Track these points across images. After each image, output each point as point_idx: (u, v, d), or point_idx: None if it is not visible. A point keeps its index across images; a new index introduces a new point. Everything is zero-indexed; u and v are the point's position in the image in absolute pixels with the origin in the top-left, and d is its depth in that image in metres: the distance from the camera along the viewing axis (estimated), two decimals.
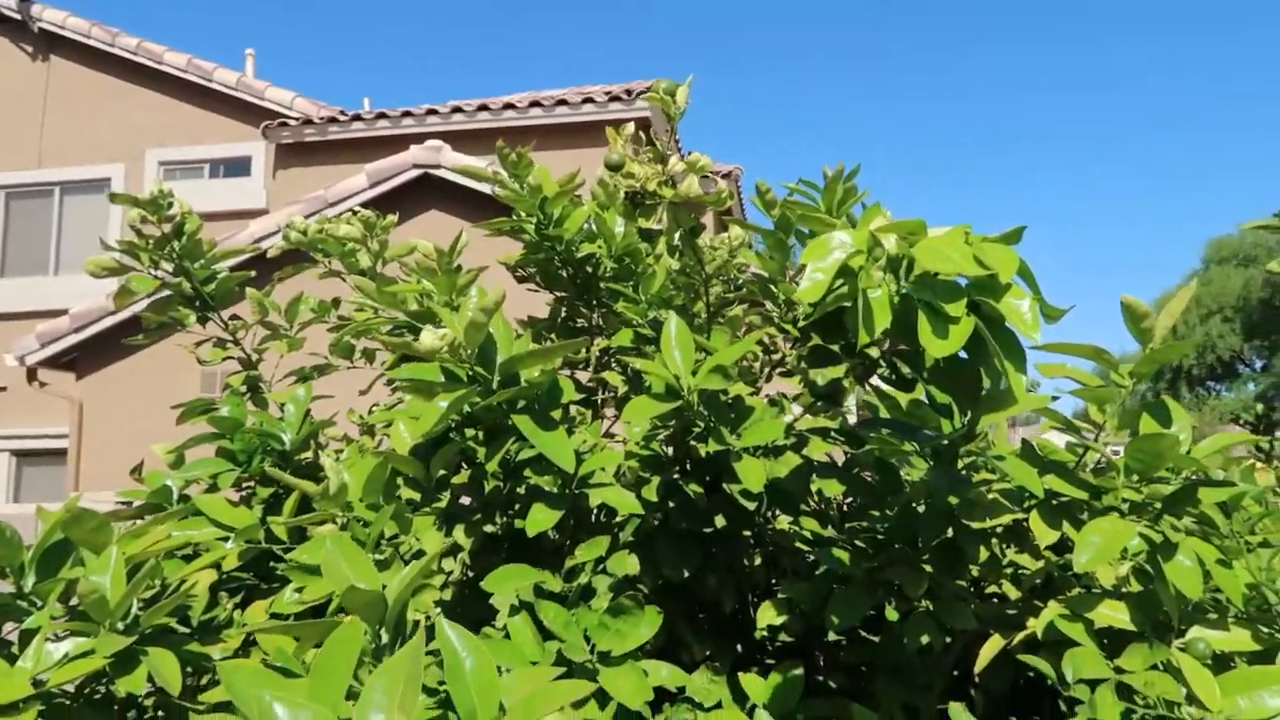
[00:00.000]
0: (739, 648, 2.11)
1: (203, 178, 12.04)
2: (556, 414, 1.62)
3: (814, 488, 1.90)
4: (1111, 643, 1.46)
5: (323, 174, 10.02)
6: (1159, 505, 1.39)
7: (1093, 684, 1.37)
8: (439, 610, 1.74)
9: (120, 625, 1.36)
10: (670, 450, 1.83)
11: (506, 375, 1.43)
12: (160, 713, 1.49)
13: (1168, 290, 26.16)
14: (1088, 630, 1.42)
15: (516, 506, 1.58)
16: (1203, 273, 26.23)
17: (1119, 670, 1.37)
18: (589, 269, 2.12)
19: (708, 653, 1.90)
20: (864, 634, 1.96)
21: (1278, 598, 1.32)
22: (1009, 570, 1.86)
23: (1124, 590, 1.48)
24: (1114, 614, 1.41)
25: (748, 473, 1.45)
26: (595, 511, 1.98)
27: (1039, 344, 1.41)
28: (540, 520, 1.42)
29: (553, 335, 2.19)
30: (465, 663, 0.83)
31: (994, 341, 1.07)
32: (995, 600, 1.87)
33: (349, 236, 2.47)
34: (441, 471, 1.69)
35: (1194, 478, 1.40)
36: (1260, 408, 3.02)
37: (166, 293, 2.32)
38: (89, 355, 9.00)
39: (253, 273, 2.32)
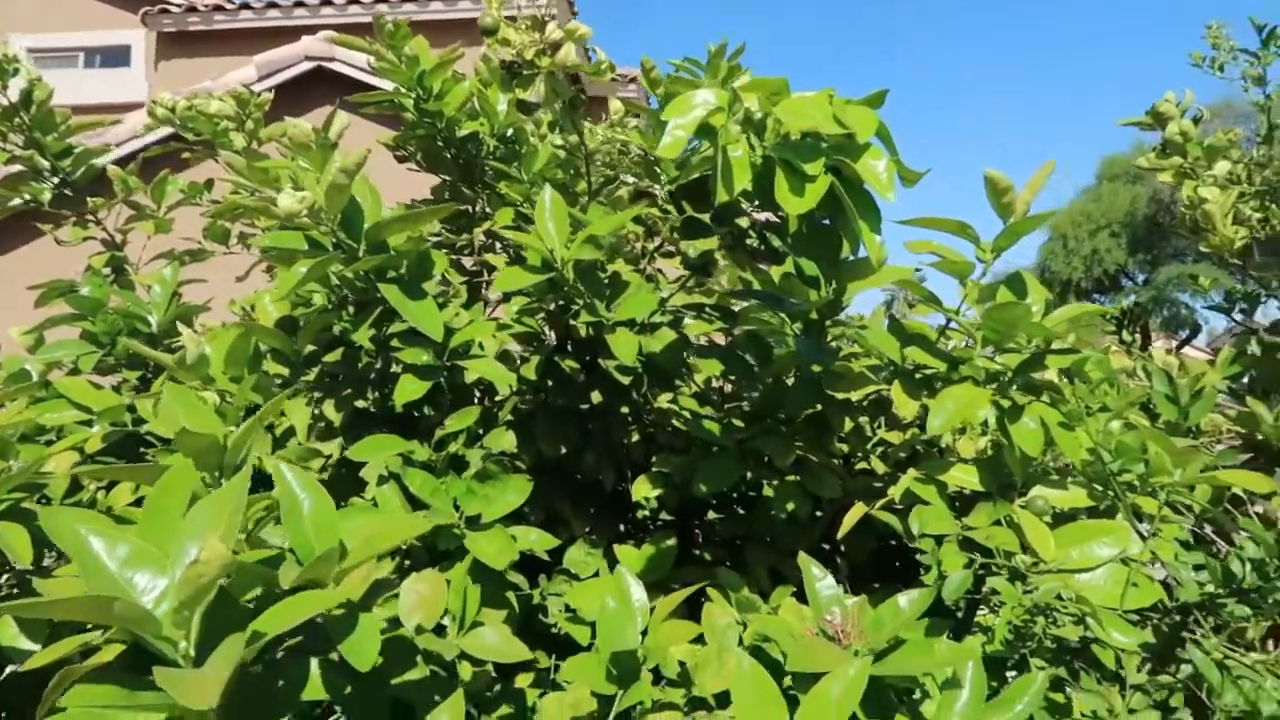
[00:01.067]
0: (622, 526, 2.16)
1: (76, 67, 11.24)
2: (430, 287, 1.60)
3: (695, 368, 1.94)
4: (964, 505, 1.54)
5: (209, 66, 9.46)
6: (1011, 373, 1.45)
7: (941, 539, 1.44)
8: None
9: None
10: (550, 329, 1.82)
11: (373, 243, 1.39)
12: (15, 589, 1.45)
13: (1062, 205, 27.04)
14: (939, 492, 1.49)
15: (389, 379, 1.56)
16: (1094, 189, 27.13)
17: (966, 528, 1.45)
18: (472, 149, 2.07)
19: (588, 529, 1.94)
20: (741, 509, 2.02)
21: (1112, 458, 1.40)
22: (879, 447, 1.94)
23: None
24: (965, 477, 1.48)
25: (620, 345, 1.45)
26: (478, 392, 1.98)
27: (905, 220, 1.45)
28: (409, 391, 1.41)
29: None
30: (303, 504, 0.83)
31: (850, 201, 1.08)
32: (864, 474, 1.95)
33: (221, 114, 2.34)
34: (311, 347, 1.65)
35: (1043, 348, 1.46)
36: (1128, 302, 3.16)
37: (18, 168, 2.17)
38: None
39: (111, 146, 2.19)
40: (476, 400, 1.95)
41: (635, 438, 1.87)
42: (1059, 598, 1.28)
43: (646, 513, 2.20)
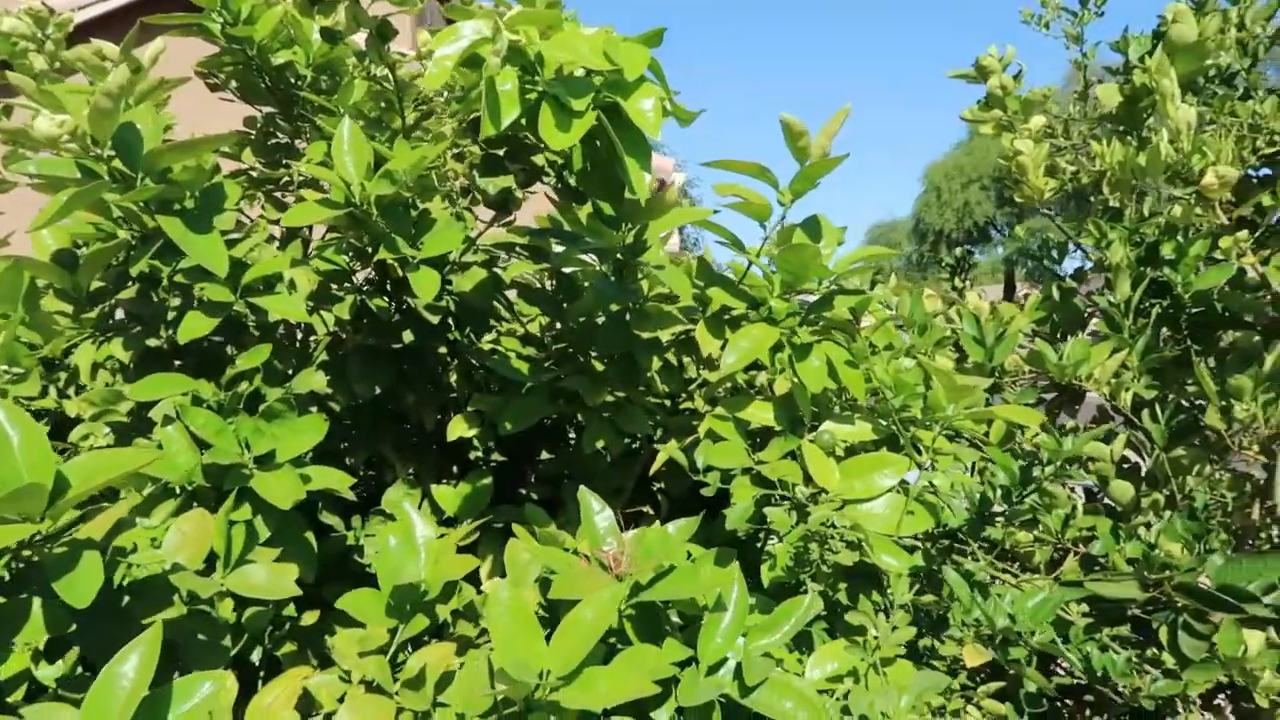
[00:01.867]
0: (456, 468, 2.16)
1: None
2: (227, 221, 1.54)
3: (520, 309, 1.93)
4: (764, 440, 1.60)
5: None
6: (802, 313, 1.50)
7: (732, 474, 1.50)
8: (108, 432, 1.66)
9: None
10: (374, 270, 1.79)
11: (152, 171, 1.33)
12: None
13: (935, 160, 27.92)
14: (738, 428, 1.54)
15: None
16: (967, 143, 28.13)
17: (759, 462, 1.51)
18: (290, 78, 1.98)
19: (410, 470, 1.93)
20: (570, 450, 2.05)
21: (893, 394, 1.48)
22: (703, 387, 1.99)
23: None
24: (761, 413, 1.54)
25: (420, 282, 1.44)
26: (299, 333, 1.93)
27: (707, 162, 1.47)
28: (194, 328, 1.36)
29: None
30: (11, 437, 0.80)
31: (617, 138, 1.09)
32: (689, 413, 2.00)
33: (16, 32, 2.18)
34: (100, 283, 1.58)
35: (833, 289, 1.52)
36: (960, 251, 3.30)
37: None
38: None
39: None
40: (297, 342, 1.90)
41: (454, 378, 1.86)
42: (833, 525, 1.35)
43: (481, 453, 2.21)
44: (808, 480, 1.42)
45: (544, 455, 2.17)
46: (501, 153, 1.41)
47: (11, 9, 2.21)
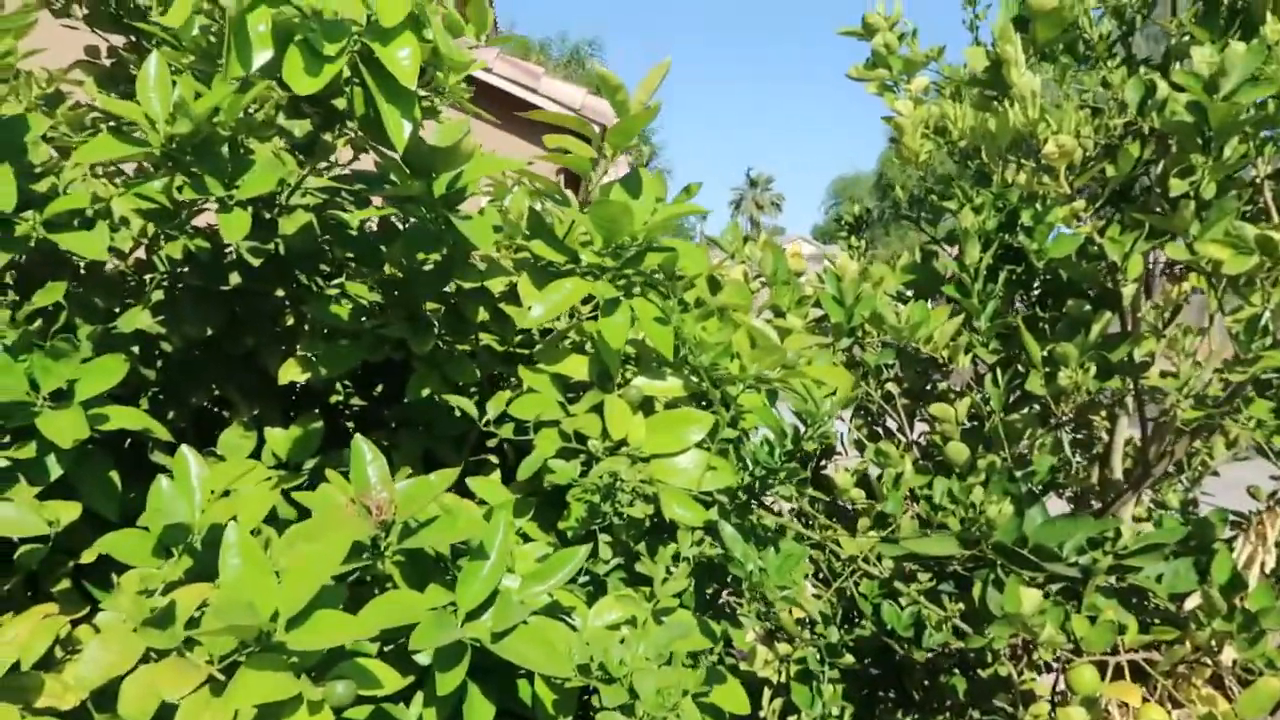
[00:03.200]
0: (317, 411, 2.16)
1: None
2: (38, 154, 1.51)
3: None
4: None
5: None
6: (616, 268, 1.52)
7: (544, 425, 1.52)
8: None
9: None
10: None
11: None
12: None
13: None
14: (553, 381, 1.56)
15: None
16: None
17: (569, 415, 1.53)
18: (135, 5, 1.93)
19: (255, 412, 1.93)
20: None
21: (697, 350, 1.50)
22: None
23: None
24: (575, 366, 1.56)
25: (227, 224, 1.42)
26: (138, 273, 1.91)
27: (526, 113, 1.46)
28: None
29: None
30: None
31: (376, 86, 1.08)
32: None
33: None
34: None
35: (645, 244, 1.53)
36: (859, 208, 3.32)
37: None
38: None
39: None
40: (133, 280, 1.88)
41: (291, 321, 1.85)
42: (622, 479, 1.38)
43: (340, 399, 2.22)
44: (606, 436, 1.45)
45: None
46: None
47: None
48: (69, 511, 1.25)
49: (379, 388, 2.16)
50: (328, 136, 1.53)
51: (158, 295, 1.78)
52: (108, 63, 2.00)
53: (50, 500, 1.28)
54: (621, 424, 1.44)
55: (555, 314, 1.46)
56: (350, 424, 2.17)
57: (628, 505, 1.42)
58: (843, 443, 2.43)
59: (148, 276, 1.80)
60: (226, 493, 1.36)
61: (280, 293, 1.80)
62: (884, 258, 2.74)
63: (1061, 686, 1.94)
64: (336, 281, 1.92)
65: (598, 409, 1.50)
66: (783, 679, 1.68)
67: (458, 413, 1.92)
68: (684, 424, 1.51)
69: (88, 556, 1.29)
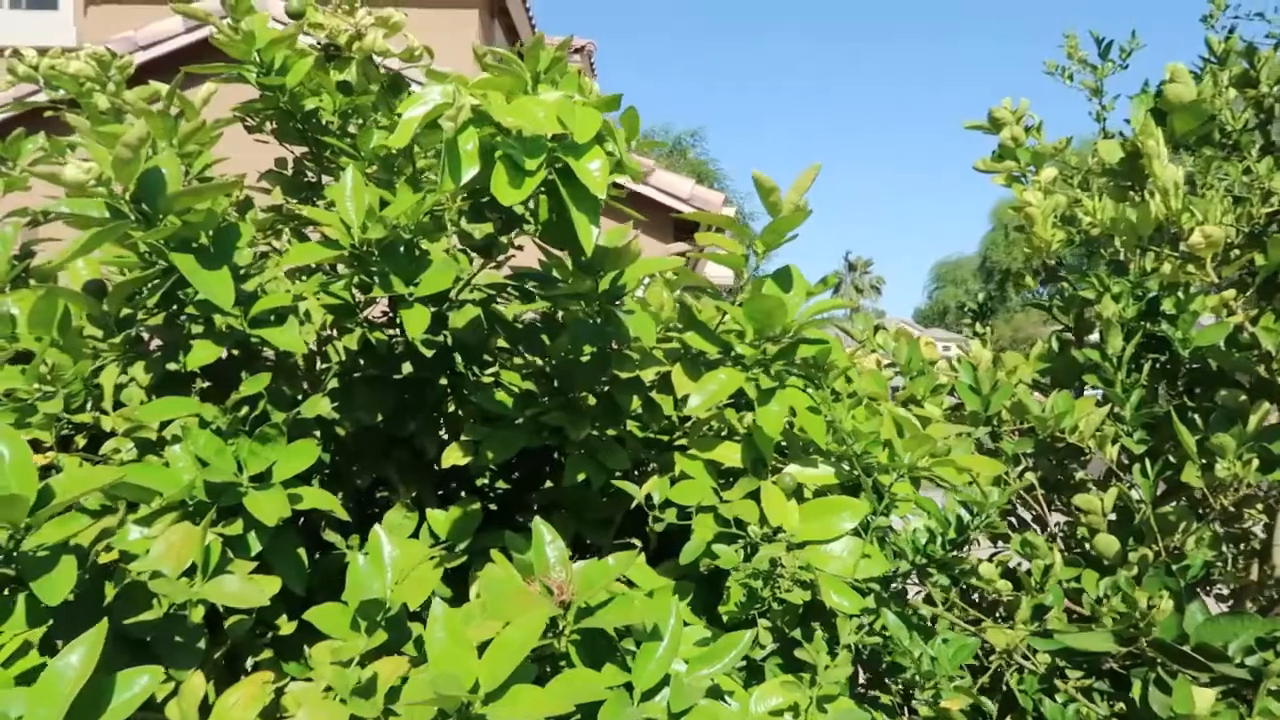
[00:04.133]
0: (464, 494, 2.26)
1: (2, 7, 10.92)
2: (244, 256, 1.67)
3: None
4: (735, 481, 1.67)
5: (138, 13, 9.27)
6: (768, 360, 1.58)
7: (702, 510, 1.57)
8: (133, 447, 1.80)
9: None
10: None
11: (172, 212, 1.47)
12: None
13: (1004, 198, 27.40)
14: (707, 468, 1.61)
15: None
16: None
17: (724, 501, 1.58)
18: (318, 122, 2.13)
19: (414, 494, 2.04)
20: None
21: (852, 439, 1.54)
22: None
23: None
24: (728, 454, 1.61)
25: (409, 320, 1.55)
26: (316, 363, 2.06)
27: (683, 214, 1.56)
28: (200, 355, 1.49)
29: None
30: (3, 454, 0.91)
31: (567, 195, 1.18)
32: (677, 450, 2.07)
33: (82, 74, 2.38)
34: (128, 310, 1.72)
35: (797, 338, 1.59)
36: (982, 296, 3.32)
37: None
38: None
39: None
40: (303, 369, 2.03)
41: (452, 409, 1.97)
42: (782, 565, 1.41)
43: (485, 481, 2.32)
44: (764, 521, 1.49)
45: (548, 485, 2.27)
46: (484, 200, 1.52)
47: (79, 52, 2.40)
48: (271, 586, 1.36)
49: (515, 474, 2.26)
50: (504, 239, 1.66)
51: (333, 383, 1.92)
52: (289, 172, 2.21)
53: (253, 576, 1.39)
54: (779, 510, 1.48)
55: (712, 403, 1.52)
56: (494, 506, 2.27)
57: (785, 591, 1.44)
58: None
59: (321, 367, 1.95)
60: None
61: (443, 381, 1.92)
62: (993, 343, 2.73)
63: None
64: (490, 370, 2.03)
65: (753, 495, 1.55)
66: None
67: (604, 498, 2.00)
68: (837, 511, 1.54)
69: (287, 627, 1.39)
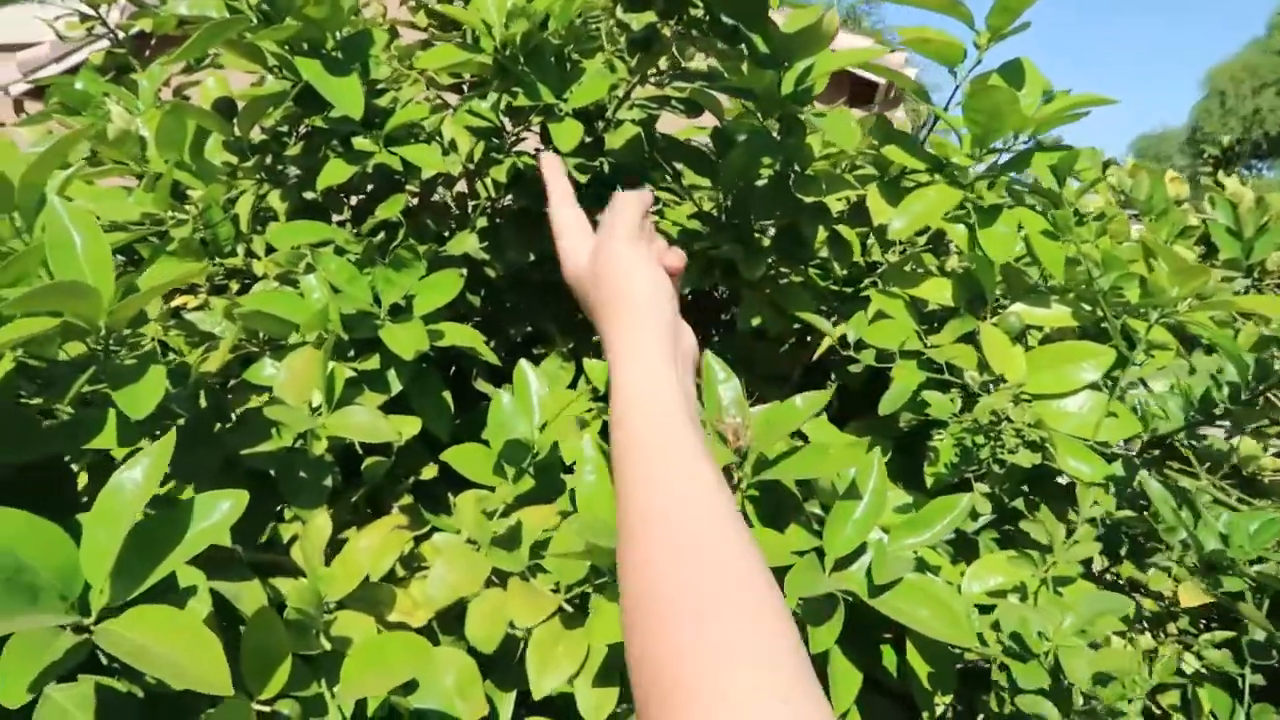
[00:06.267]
0: None
1: None
2: (380, 70, 1.50)
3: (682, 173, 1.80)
4: (940, 323, 1.40)
5: None
6: (993, 173, 1.28)
7: (907, 356, 1.32)
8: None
9: None
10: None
11: (293, 10, 1.29)
12: None
13: (1220, 61, 24.31)
14: (906, 307, 1.35)
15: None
16: (1264, 40, 24.11)
17: (931, 345, 1.31)
18: None
19: (570, 345, 1.87)
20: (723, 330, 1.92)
21: (1099, 270, 1.23)
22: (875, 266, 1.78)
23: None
24: (937, 291, 1.34)
25: (560, 133, 1.33)
26: (463, 201, 1.90)
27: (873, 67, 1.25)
28: (332, 175, 1.33)
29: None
30: (75, 240, 0.77)
31: None
32: (864, 299, 1.80)
33: None
34: (261, 136, 1.59)
35: (1033, 144, 1.27)
36: (1227, 139, 2.82)
37: None
38: None
39: None
40: (454, 206, 1.87)
41: None
42: (1007, 419, 1.15)
43: None
44: (985, 369, 1.22)
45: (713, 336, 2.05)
46: None
47: None
48: (411, 426, 1.21)
49: None
50: (665, 29, 1.40)
51: (482, 222, 1.75)
52: None
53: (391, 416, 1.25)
54: (1002, 356, 1.21)
55: (919, 226, 1.24)
56: None
57: (1008, 452, 1.18)
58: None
59: (471, 204, 1.78)
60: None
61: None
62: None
63: None
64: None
65: (966, 339, 1.28)
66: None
67: (780, 350, 1.76)
68: (1076, 359, 1.25)
69: (428, 472, 1.26)
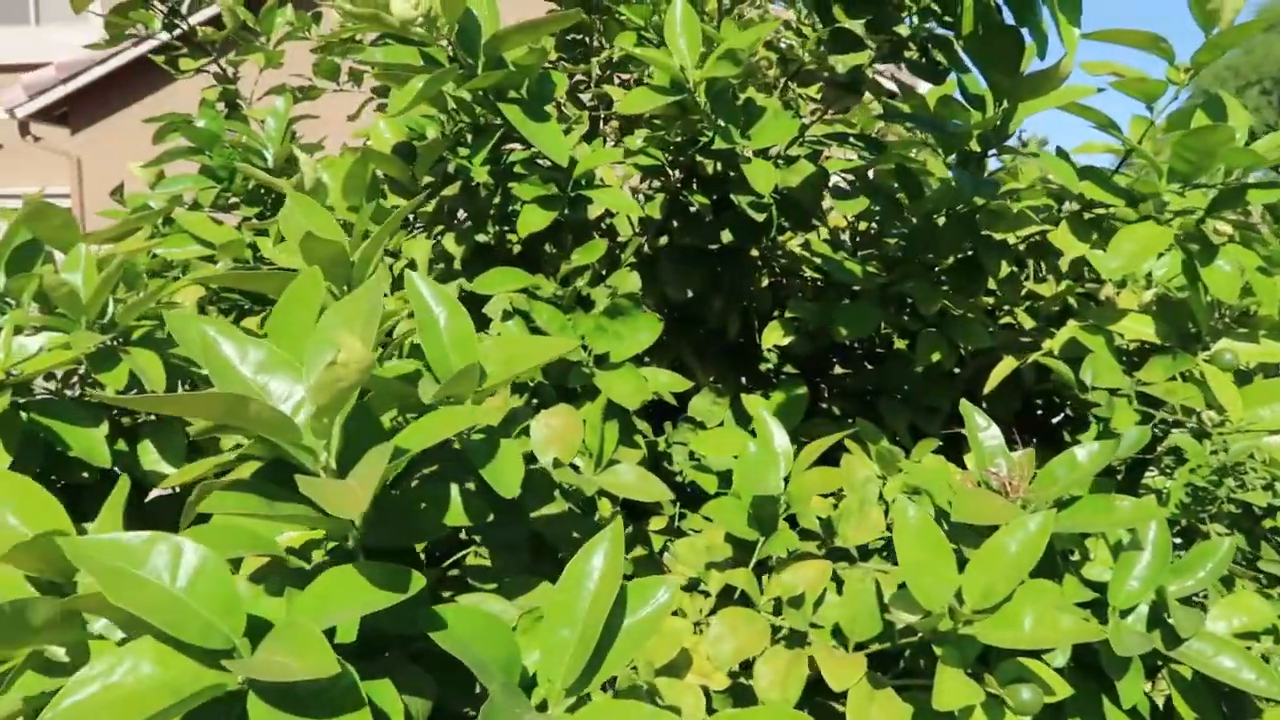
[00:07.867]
0: (744, 378, 2.08)
1: None
2: (551, 112, 1.49)
3: (829, 210, 1.80)
4: (1130, 361, 1.40)
5: None
6: (1201, 211, 1.28)
7: (1113, 394, 1.32)
8: None
9: (98, 324, 1.30)
10: (674, 166, 1.70)
11: (491, 58, 1.28)
12: (151, 416, 1.47)
13: None
14: (1107, 343, 1.35)
15: (511, 214, 1.48)
16: (1247, 40, 24.40)
17: (1140, 383, 1.31)
18: None
19: (711, 378, 1.86)
20: (868, 364, 1.92)
21: None
22: (1025, 301, 1.78)
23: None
24: (1140, 327, 1.34)
25: (757, 175, 1.33)
26: (598, 233, 1.89)
27: (1089, 33, 1.26)
28: (531, 221, 1.32)
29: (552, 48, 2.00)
30: (439, 318, 0.76)
31: None
32: (1005, 328, 1.81)
33: None
34: (430, 179, 1.58)
35: (1241, 181, 1.28)
36: None
37: None
38: (81, 108, 8.71)
39: None
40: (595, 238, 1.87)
41: (764, 283, 1.76)
42: (1251, 457, 1.15)
43: (770, 365, 2.12)
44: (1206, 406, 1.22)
45: (837, 370, 2.05)
46: (861, 24, 1.26)
47: None
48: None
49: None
50: (869, 72, 1.40)
51: (632, 257, 1.74)
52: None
53: None
54: (1230, 394, 1.21)
55: (1133, 266, 1.25)
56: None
57: (1238, 490, 1.18)
58: None
59: (621, 238, 1.77)
60: None
61: (754, 252, 1.71)
62: None
63: None
64: (797, 240, 1.81)
65: (1180, 377, 1.28)
66: None
67: (939, 383, 1.76)
68: None
69: (657, 524, 1.24)
